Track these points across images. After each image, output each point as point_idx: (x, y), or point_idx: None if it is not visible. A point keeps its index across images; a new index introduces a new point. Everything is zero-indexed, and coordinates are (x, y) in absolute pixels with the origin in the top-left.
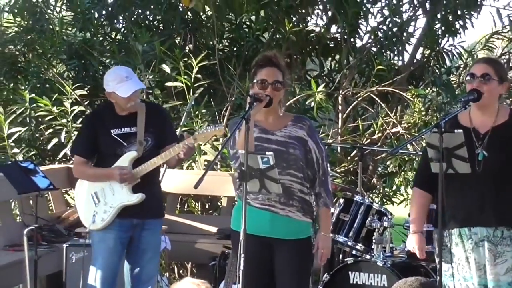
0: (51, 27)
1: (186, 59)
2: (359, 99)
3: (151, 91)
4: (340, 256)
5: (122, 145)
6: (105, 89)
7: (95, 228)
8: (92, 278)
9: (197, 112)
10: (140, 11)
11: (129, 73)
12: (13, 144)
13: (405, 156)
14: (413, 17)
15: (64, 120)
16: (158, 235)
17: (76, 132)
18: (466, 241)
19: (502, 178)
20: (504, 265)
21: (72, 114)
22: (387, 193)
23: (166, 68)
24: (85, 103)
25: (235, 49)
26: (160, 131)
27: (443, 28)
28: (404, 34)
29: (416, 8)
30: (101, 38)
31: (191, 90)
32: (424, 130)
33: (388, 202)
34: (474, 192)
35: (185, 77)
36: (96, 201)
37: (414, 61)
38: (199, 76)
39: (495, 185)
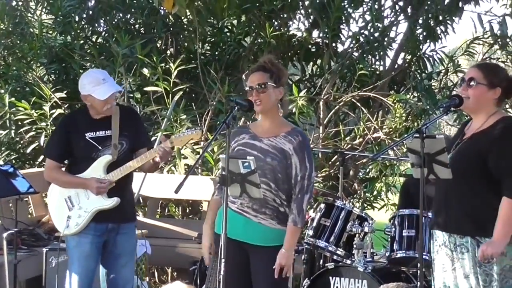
0: (31, 30)
1: (165, 63)
2: (340, 104)
3: (132, 95)
4: (321, 261)
5: (97, 149)
6: (80, 93)
7: (69, 233)
8: (68, 283)
9: (176, 117)
10: (121, 15)
11: (106, 76)
12: None
13: (386, 162)
14: (395, 22)
15: (43, 124)
16: (133, 239)
17: None
18: (433, 242)
19: (464, 187)
20: (460, 271)
21: (52, 118)
22: (368, 198)
23: (146, 72)
24: (65, 107)
25: (216, 53)
26: (134, 134)
27: (424, 33)
28: (386, 39)
29: (398, 13)
30: (82, 42)
31: (170, 94)
32: (405, 135)
33: (369, 207)
34: (439, 197)
35: (164, 82)
36: (70, 205)
37: (396, 66)
38: (177, 80)
39: (456, 192)
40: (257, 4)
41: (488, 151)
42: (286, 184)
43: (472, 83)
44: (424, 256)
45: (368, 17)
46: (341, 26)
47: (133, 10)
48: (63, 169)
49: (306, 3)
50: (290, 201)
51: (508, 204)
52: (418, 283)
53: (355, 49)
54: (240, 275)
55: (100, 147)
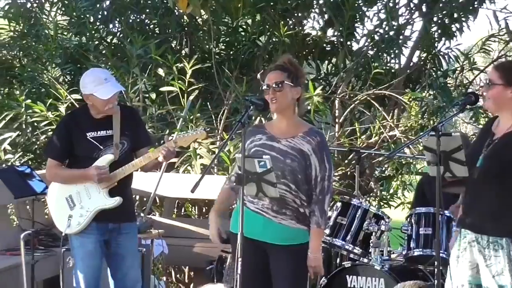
0: (46, 31)
1: (180, 63)
2: (356, 103)
3: (147, 95)
4: (338, 259)
5: (98, 148)
6: (81, 92)
7: (71, 232)
8: (75, 282)
9: (192, 117)
10: (135, 15)
11: (108, 76)
12: (9, 148)
13: (402, 160)
14: (410, 20)
15: None
16: (135, 239)
17: None
18: (461, 239)
19: (499, 186)
20: (493, 268)
21: (59, 121)
22: (384, 197)
23: (161, 72)
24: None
25: (231, 52)
26: (134, 134)
27: (439, 31)
28: (401, 37)
29: (413, 11)
30: (96, 42)
31: (186, 94)
32: (421, 133)
33: (385, 205)
34: (468, 197)
35: (179, 81)
36: (71, 204)
37: (411, 64)
38: (193, 80)
39: (490, 193)
40: (272, 3)
41: None
42: (306, 185)
43: (490, 84)
44: (441, 254)
45: (383, 16)
46: (356, 25)
47: (147, 10)
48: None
49: (321, 1)
50: (310, 202)
51: None
52: (435, 281)
53: (370, 47)
54: (259, 275)
55: (101, 147)
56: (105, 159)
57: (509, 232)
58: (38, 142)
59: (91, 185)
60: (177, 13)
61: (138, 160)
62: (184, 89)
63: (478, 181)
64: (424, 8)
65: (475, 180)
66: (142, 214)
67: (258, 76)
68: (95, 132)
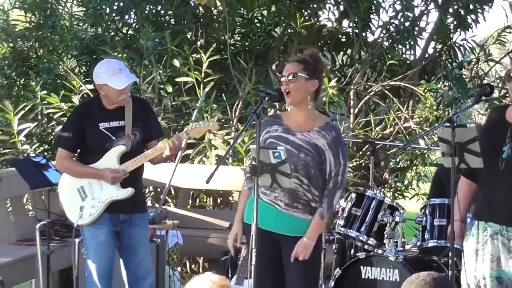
0: (62, 22)
1: (196, 54)
2: (371, 94)
3: (162, 86)
4: (352, 251)
5: (111, 139)
6: (94, 82)
7: (83, 223)
8: (88, 273)
9: (207, 108)
10: (151, 6)
11: (122, 66)
12: (24, 139)
13: (417, 151)
14: (425, 12)
15: None
16: (146, 230)
17: None
18: (481, 233)
19: None
20: None
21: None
22: (398, 188)
23: (177, 63)
24: None
25: (246, 44)
26: (146, 125)
27: (455, 22)
28: (416, 28)
29: (428, 2)
30: (112, 34)
31: (201, 85)
32: (436, 124)
33: (400, 196)
34: (492, 189)
35: (195, 72)
36: (83, 195)
37: (426, 56)
38: (209, 71)
39: None
40: None
41: None
42: (319, 180)
43: (508, 78)
44: (455, 245)
45: (398, 7)
46: (371, 16)
47: (163, 1)
48: (75, 159)
49: None
50: (322, 197)
51: None
52: (450, 272)
53: (385, 38)
54: (272, 266)
55: (113, 138)
56: (117, 150)
57: None
58: (53, 133)
59: None
60: (192, 4)
61: (150, 151)
62: (200, 80)
63: (505, 172)
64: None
65: (501, 172)
66: (157, 205)
67: (273, 67)
68: (108, 123)
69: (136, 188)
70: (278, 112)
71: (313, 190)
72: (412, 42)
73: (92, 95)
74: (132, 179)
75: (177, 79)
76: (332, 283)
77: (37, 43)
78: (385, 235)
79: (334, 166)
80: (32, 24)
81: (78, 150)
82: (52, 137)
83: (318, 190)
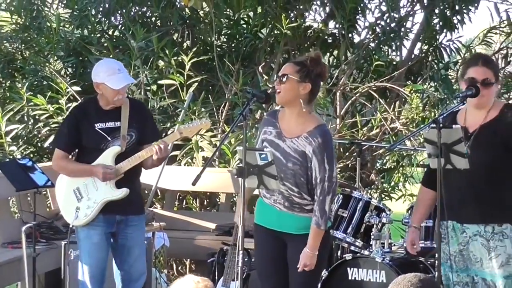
0: (48, 24)
1: (179, 56)
2: (357, 95)
3: (148, 88)
4: (339, 252)
5: (106, 139)
6: (93, 80)
7: (79, 224)
8: (80, 274)
9: (194, 108)
10: (137, 8)
11: (121, 67)
12: (10, 141)
13: (403, 152)
14: (411, 12)
15: (60, 118)
16: (142, 231)
17: None
18: (460, 234)
19: (490, 176)
20: (498, 259)
21: (68, 112)
22: (385, 189)
23: (161, 65)
24: (82, 99)
25: (233, 45)
26: (142, 127)
27: (441, 23)
28: (402, 29)
29: (414, 3)
30: (98, 35)
31: (185, 87)
32: (422, 125)
33: (386, 197)
34: (461, 190)
35: (178, 75)
36: (79, 196)
37: (412, 57)
38: (191, 73)
39: (481, 183)
40: None
41: (509, 136)
42: (310, 185)
43: (487, 82)
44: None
45: (384, 8)
46: (357, 17)
47: (149, 3)
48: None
49: None
50: (313, 204)
51: None
52: (436, 273)
53: (371, 39)
54: (276, 264)
55: (109, 138)
56: (112, 151)
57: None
58: (39, 135)
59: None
60: (178, 6)
61: (144, 151)
62: (183, 82)
63: (470, 173)
64: (425, 0)
65: (462, 172)
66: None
67: (260, 69)
68: (103, 123)
69: (132, 189)
70: (265, 113)
71: (305, 196)
72: (398, 43)
73: (78, 97)
74: (128, 180)
75: (160, 82)
76: (319, 285)
77: (23, 45)
78: (372, 236)
79: (318, 172)
80: (18, 26)
81: (76, 151)
82: (38, 139)
83: (309, 195)
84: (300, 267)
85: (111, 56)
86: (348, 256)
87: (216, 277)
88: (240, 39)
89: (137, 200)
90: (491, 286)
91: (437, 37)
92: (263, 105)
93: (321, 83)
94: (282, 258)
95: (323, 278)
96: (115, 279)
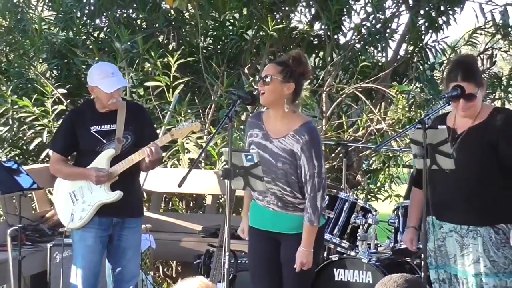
0: (33, 26)
1: (165, 58)
2: (343, 96)
3: (134, 90)
4: (325, 253)
5: (101, 142)
6: (88, 83)
7: (74, 227)
8: (73, 277)
9: (180, 110)
10: (122, 10)
11: (115, 70)
12: None
13: (389, 153)
14: (396, 14)
15: (45, 120)
16: (138, 234)
17: None
18: (438, 229)
19: (475, 179)
20: (470, 256)
21: (54, 114)
22: (371, 190)
23: (147, 66)
24: (67, 102)
25: (218, 46)
26: (139, 129)
27: (426, 24)
28: (388, 30)
29: (399, 4)
30: (83, 37)
31: (171, 89)
32: (408, 126)
33: (372, 198)
34: (444, 190)
35: (164, 76)
36: (74, 199)
37: (398, 58)
38: (177, 75)
39: (465, 185)
40: None
41: (498, 140)
42: (300, 183)
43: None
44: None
45: (369, 9)
46: (343, 18)
47: (134, 5)
48: (71, 163)
49: None
50: (305, 201)
51: None
52: (422, 273)
53: (357, 40)
54: (269, 265)
55: (104, 141)
56: (106, 153)
57: (490, 222)
58: (25, 138)
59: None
60: (164, 8)
61: (136, 154)
62: (169, 83)
63: (456, 175)
64: (410, 1)
65: (447, 174)
66: None
67: (246, 70)
68: (99, 126)
69: (128, 191)
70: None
71: (297, 195)
72: (383, 44)
73: (63, 99)
74: (124, 183)
75: (146, 83)
76: None
77: (7, 47)
78: (358, 237)
79: (308, 169)
80: (3, 28)
81: (75, 154)
82: (23, 141)
83: (301, 193)
84: (298, 266)
85: (96, 58)
86: (335, 257)
87: None
88: (226, 40)
89: (136, 202)
90: (461, 283)
91: (423, 38)
92: (249, 106)
93: (305, 82)
94: (275, 259)
95: None
96: (106, 278)
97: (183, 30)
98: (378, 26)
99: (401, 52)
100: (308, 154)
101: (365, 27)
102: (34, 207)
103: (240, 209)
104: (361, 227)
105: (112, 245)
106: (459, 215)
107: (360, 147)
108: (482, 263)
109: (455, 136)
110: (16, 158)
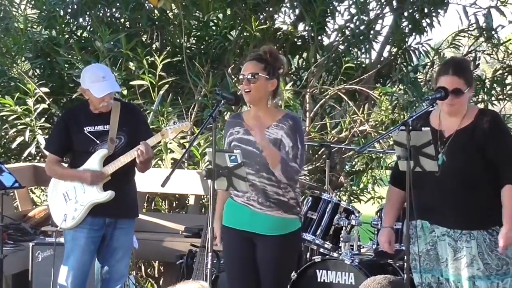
0: (15, 25)
1: (150, 57)
2: (326, 97)
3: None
4: (308, 254)
5: (95, 143)
6: (80, 85)
7: (66, 227)
8: (62, 277)
9: (163, 110)
10: (106, 9)
11: (106, 74)
12: None
13: (372, 154)
14: (380, 15)
15: (28, 119)
16: (130, 235)
17: (40, 131)
18: (428, 234)
19: (464, 182)
20: (463, 260)
21: (36, 113)
22: (354, 191)
23: (132, 66)
24: (50, 101)
25: (202, 47)
26: (133, 130)
27: (410, 26)
28: (371, 32)
29: (383, 6)
30: (67, 36)
31: (156, 88)
32: (391, 128)
33: (355, 200)
34: (434, 193)
35: (150, 75)
36: (67, 199)
37: (381, 59)
38: (163, 74)
39: (455, 189)
40: None
41: (485, 143)
42: None
43: (458, 92)
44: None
45: (353, 10)
46: (327, 19)
47: (117, 4)
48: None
49: None
50: (291, 186)
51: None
52: (405, 275)
53: (340, 42)
54: (246, 265)
55: (97, 141)
56: (99, 154)
57: (484, 225)
58: (7, 136)
59: None
60: (147, 7)
61: (126, 155)
62: (154, 83)
63: (441, 177)
64: (394, 3)
65: (437, 177)
66: None
67: (229, 70)
68: (93, 127)
69: (122, 192)
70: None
71: (281, 185)
72: (367, 46)
73: (46, 98)
74: (115, 183)
75: (131, 82)
76: (288, 287)
77: None
78: (341, 239)
79: (292, 150)
80: None
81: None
82: (5, 140)
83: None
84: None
85: (79, 57)
86: (317, 258)
87: (185, 279)
88: (209, 41)
89: (129, 203)
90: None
91: (406, 40)
92: (233, 107)
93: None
94: (252, 259)
95: (292, 280)
96: (95, 275)
97: (167, 30)
98: (362, 27)
99: (385, 54)
100: (293, 137)
101: (349, 28)
102: (16, 206)
103: None
104: (344, 228)
105: (103, 244)
106: (452, 219)
107: (343, 149)
108: (476, 266)
109: (443, 139)
110: None
